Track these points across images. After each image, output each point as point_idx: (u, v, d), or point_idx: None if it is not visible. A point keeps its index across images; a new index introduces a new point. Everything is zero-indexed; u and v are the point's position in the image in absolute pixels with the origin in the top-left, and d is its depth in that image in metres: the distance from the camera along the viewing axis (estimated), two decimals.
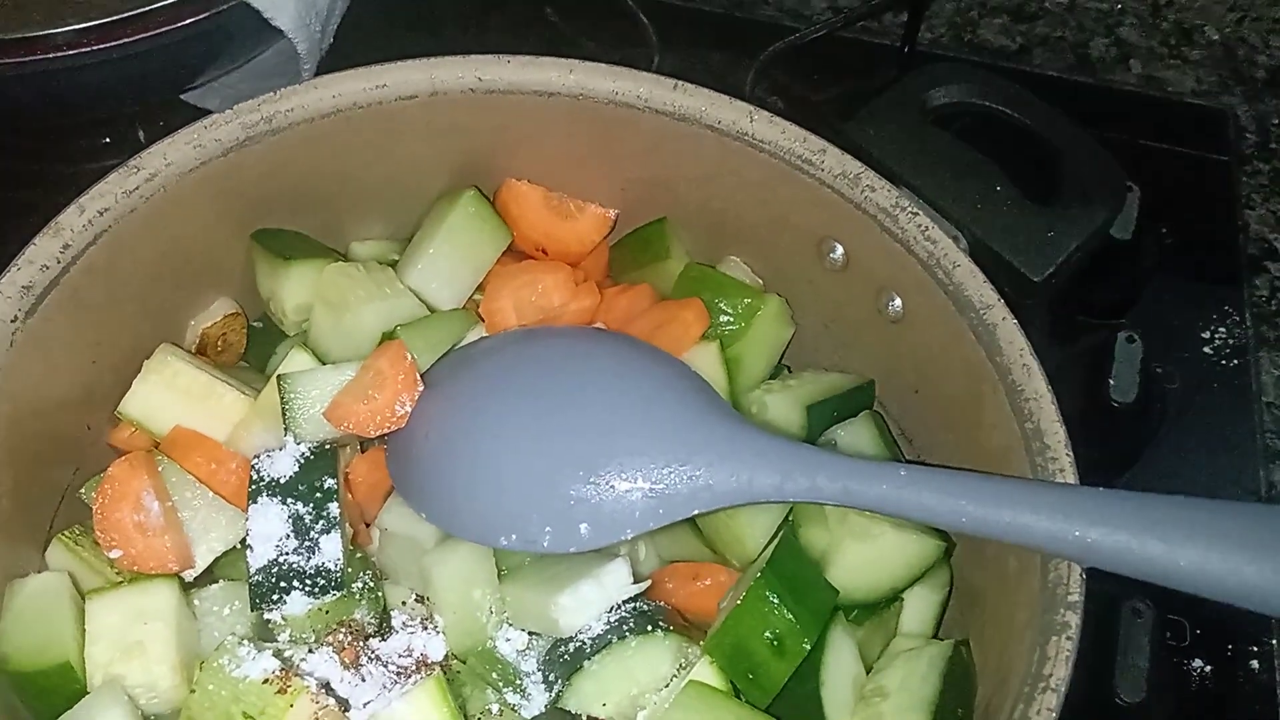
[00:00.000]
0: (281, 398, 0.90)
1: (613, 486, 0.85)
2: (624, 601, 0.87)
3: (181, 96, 1.29)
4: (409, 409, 0.91)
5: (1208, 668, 1.14)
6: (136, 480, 0.86)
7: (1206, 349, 1.35)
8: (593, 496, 0.85)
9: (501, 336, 0.98)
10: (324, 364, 0.94)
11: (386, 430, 0.91)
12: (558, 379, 0.92)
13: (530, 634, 0.89)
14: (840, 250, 0.96)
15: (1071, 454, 0.81)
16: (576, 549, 0.86)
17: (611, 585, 0.87)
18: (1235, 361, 1.34)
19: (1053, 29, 1.62)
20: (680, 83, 0.96)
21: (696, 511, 0.86)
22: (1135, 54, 1.60)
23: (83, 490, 0.91)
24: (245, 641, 0.79)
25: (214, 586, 0.88)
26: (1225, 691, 1.13)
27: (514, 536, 0.86)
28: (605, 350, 0.93)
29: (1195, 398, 1.30)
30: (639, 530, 0.85)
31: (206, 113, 1.30)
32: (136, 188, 0.88)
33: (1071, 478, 0.80)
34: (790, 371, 1.05)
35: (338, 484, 0.87)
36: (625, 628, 0.86)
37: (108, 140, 1.34)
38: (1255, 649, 1.15)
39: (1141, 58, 1.60)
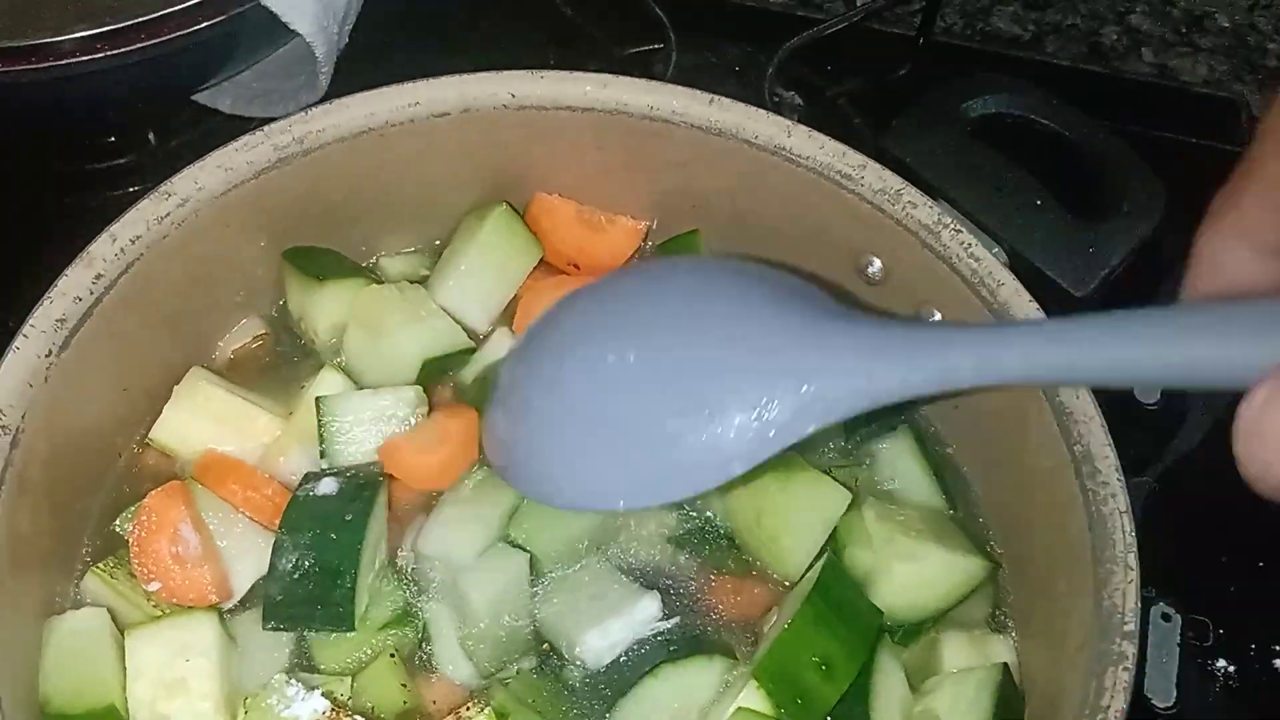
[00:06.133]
0: (320, 420, 0.89)
1: (711, 417, 0.73)
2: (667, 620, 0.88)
3: (192, 96, 1.26)
4: (458, 477, 0.91)
5: (1231, 667, 1.14)
6: (174, 511, 0.85)
7: None
8: (692, 432, 0.73)
9: (571, 297, 0.86)
10: (359, 386, 0.93)
11: (429, 488, 0.91)
12: (634, 323, 0.80)
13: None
14: (878, 264, 0.95)
15: (1122, 477, 0.81)
16: (694, 491, 0.76)
17: (640, 621, 0.88)
18: None
19: (1064, 16, 1.60)
20: (716, 98, 0.94)
21: (812, 428, 0.72)
22: (1147, 42, 1.59)
23: (117, 522, 0.90)
24: (292, 680, 0.78)
25: (252, 611, 0.87)
26: (1250, 690, 1.13)
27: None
28: (676, 280, 0.84)
29: (1217, 397, 1.30)
30: (751, 463, 0.73)
31: (216, 112, 1.28)
32: (168, 214, 0.86)
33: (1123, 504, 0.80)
34: None
35: (373, 510, 0.86)
36: (670, 649, 0.86)
37: (113, 139, 1.31)
38: (1278, 647, 1.16)
39: (1153, 46, 1.59)
